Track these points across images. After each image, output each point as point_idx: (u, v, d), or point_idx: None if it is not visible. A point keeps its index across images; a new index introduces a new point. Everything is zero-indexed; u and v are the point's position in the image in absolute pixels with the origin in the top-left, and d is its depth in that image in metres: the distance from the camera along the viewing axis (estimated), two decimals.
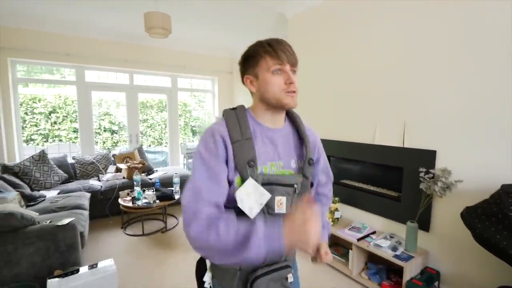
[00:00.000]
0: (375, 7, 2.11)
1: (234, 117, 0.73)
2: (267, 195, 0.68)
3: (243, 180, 0.68)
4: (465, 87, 1.65)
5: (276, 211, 0.70)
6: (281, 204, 0.71)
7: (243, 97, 4.73)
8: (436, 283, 1.77)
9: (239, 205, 0.67)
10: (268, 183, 0.69)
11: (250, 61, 0.74)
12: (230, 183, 0.69)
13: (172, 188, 3.17)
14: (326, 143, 2.59)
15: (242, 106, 0.77)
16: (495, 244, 1.24)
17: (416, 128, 1.90)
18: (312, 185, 0.78)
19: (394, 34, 2.00)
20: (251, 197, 0.67)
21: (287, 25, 3.07)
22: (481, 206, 1.37)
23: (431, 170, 1.76)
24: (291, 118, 0.83)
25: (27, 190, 2.82)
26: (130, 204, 2.82)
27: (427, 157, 1.83)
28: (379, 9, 2.08)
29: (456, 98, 1.69)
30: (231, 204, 0.69)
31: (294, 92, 0.72)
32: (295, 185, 0.73)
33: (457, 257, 1.73)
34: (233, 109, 0.76)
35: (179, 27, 3.42)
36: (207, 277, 0.80)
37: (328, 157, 2.60)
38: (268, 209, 0.70)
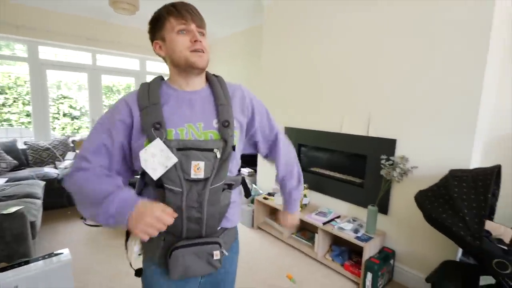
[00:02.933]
0: (344, 4, 2.15)
1: (146, 86, 0.75)
2: (173, 159, 0.67)
3: (150, 142, 0.68)
4: (422, 80, 1.76)
5: (193, 175, 0.69)
6: (198, 169, 0.69)
7: None
8: (391, 261, 1.92)
9: (143, 165, 0.67)
10: (184, 148, 0.69)
11: (156, 25, 0.75)
12: (135, 149, 0.72)
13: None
14: (297, 131, 2.64)
15: (158, 77, 0.80)
16: (442, 222, 1.36)
17: (380, 118, 2.00)
18: (234, 148, 0.76)
19: (362, 28, 2.06)
20: (155, 159, 0.67)
21: (263, 12, 3.02)
22: (432, 189, 1.50)
23: (391, 158, 1.88)
24: (209, 81, 0.82)
25: None
26: None
27: (388, 145, 1.94)
28: (348, 1, 2.12)
29: (415, 91, 1.80)
30: (138, 168, 0.73)
31: (202, 51, 0.73)
32: (215, 150, 0.72)
33: (410, 237, 1.89)
34: (151, 81, 0.78)
35: (148, 4, 3.20)
36: (137, 247, 0.80)
37: (299, 145, 2.66)
38: (184, 174, 0.69)
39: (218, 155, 0.72)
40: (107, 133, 0.72)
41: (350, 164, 2.36)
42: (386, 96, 1.95)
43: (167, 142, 0.68)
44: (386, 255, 1.87)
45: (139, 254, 0.79)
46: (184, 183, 0.69)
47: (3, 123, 4.40)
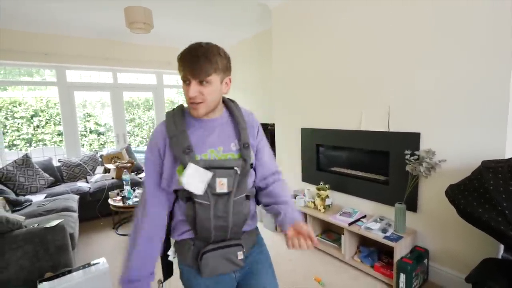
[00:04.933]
0: None
1: (171, 116, 0.84)
2: (209, 173, 0.77)
3: (184, 167, 0.77)
4: (444, 68, 1.69)
5: (218, 190, 0.79)
6: (222, 184, 0.79)
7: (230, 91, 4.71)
8: (425, 261, 1.84)
9: (187, 188, 0.76)
10: (209, 167, 0.78)
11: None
12: (171, 172, 0.81)
13: None
14: (314, 132, 2.62)
15: (180, 106, 0.88)
16: (478, 217, 1.29)
17: (400, 112, 1.95)
18: (252, 166, 0.87)
19: (376, 20, 2.02)
20: (195, 179, 0.76)
21: (270, 17, 3.06)
22: (464, 182, 1.42)
23: (416, 152, 1.81)
24: (228, 107, 0.90)
25: (12, 195, 2.73)
26: (120, 204, 2.78)
27: (412, 140, 1.87)
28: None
29: (437, 80, 1.74)
30: (179, 187, 0.80)
31: (196, 103, 0.78)
32: (235, 168, 0.81)
33: (444, 234, 1.80)
34: (173, 109, 0.87)
35: (162, 22, 3.35)
36: (171, 251, 0.94)
37: (317, 145, 2.64)
38: (210, 190, 0.78)
39: (238, 172, 0.81)
40: (156, 164, 0.84)
41: (372, 162, 2.30)
42: (406, 89, 1.90)
43: (195, 163, 0.77)
44: (419, 255, 1.80)
45: (174, 257, 0.93)
46: (211, 197, 0.78)
47: (38, 143, 4.75)
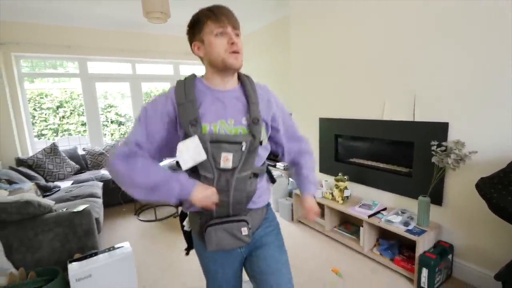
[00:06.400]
0: None
1: (182, 84, 0.82)
2: (203, 155, 0.75)
3: (187, 137, 0.76)
4: (474, 54, 1.57)
5: (221, 165, 0.78)
6: (227, 160, 0.78)
7: None
8: (449, 256, 1.77)
9: (177, 155, 0.75)
10: (216, 141, 0.77)
11: (195, 28, 0.81)
12: (172, 148, 0.79)
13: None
14: (333, 122, 2.55)
15: (192, 75, 0.86)
16: None
17: (427, 101, 1.84)
18: (261, 143, 0.83)
19: (400, 5, 1.89)
20: (189, 153, 0.75)
21: (288, 4, 2.95)
22: (498, 175, 1.33)
23: (444, 143, 1.71)
24: (241, 81, 0.88)
25: (42, 181, 2.90)
26: None
27: (439, 130, 1.77)
28: None
29: (466, 67, 1.61)
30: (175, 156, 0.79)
31: (237, 53, 0.79)
32: (243, 143, 0.78)
33: (471, 230, 1.71)
34: (185, 78, 0.84)
35: (178, 12, 3.34)
36: (186, 222, 0.97)
37: (336, 136, 2.57)
38: (215, 163, 0.78)
39: (245, 148, 0.79)
40: (152, 123, 0.80)
41: (394, 153, 2.21)
42: (433, 76, 1.78)
43: (201, 136, 0.76)
44: (443, 250, 1.73)
45: (189, 228, 0.97)
46: (215, 171, 0.78)
47: (64, 133, 4.99)
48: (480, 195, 1.37)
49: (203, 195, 0.76)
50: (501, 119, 1.52)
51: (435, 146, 1.73)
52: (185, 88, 0.80)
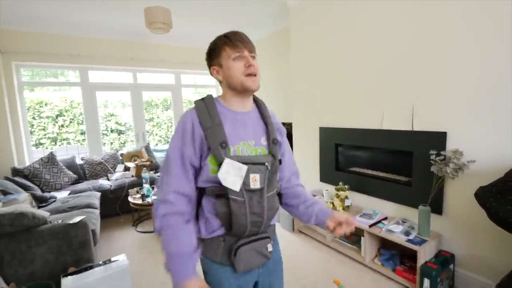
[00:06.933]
0: None
1: (203, 106, 0.82)
2: (244, 167, 0.76)
3: (216, 160, 0.77)
4: (472, 65, 1.59)
5: (252, 186, 0.78)
6: (255, 180, 0.78)
7: None
8: (451, 266, 1.74)
9: (224, 184, 0.75)
10: (242, 163, 0.77)
11: (213, 54, 0.85)
12: (202, 164, 0.80)
13: None
14: (333, 131, 2.56)
15: (210, 96, 0.87)
16: None
17: (425, 110, 1.85)
18: (280, 162, 0.88)
19: (399, 17, 1.94)
20: (231, 174, 0.76)
21: (289, 15, 3.01)
22: (496, 184, 1.33)
23: (442, 152, 1.72)
24: (257, 103, 0.92)
25: (38, 192, 2.87)
26: (140, 201, 2.85)
27: (437, 139, 1.78)
28: None
29: (464, 77, 1.64)
30: (207, 184, 0.80)
31: (254, 75, 0.81)
32: (266, 163, 0.81)
33: (472, 239, 1.70)
34: (202, 99, 0.85)
35: (180, 22, 3.40)
36: (199, 253, 0.89)
37: (336, 145, 2.57)
38: (244, 186, 0.77)
39: (269, 167, 0.81)
40: (182, 158, 0.79)
41: (394, 162, 2.21)
42: (431, 86, 1.80)
43: (230, 158, 0.77)
44: (444, 259, 1.71)
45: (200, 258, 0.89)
46: (245, 193, 0.78)
47: (63, 142, 4.97)
48: (479, 204, 1.37)
49: None
50: (498, 128, 1.53)
51: (434, 155, 1.73)
52: (209, 111, 0.81)
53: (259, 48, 4.96)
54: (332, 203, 2.36)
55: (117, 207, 3.24)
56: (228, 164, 0.75)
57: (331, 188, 2.54)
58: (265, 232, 0.85)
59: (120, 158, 3.98)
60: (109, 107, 5.54)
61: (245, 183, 0.77)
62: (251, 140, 0.83)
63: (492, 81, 1.53)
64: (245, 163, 0.77)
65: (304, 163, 2.96)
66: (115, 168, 3.82)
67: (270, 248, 0.84)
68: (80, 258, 1.89)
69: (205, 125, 0.78)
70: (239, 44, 0.81)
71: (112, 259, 1.75)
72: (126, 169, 3.73)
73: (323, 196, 2.49)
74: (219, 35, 0.85)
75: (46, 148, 4.79)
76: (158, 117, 5.27)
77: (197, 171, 0.82)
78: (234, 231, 0.78)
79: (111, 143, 5.49)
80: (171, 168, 0.79)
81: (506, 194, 1.27)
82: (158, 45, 4.31)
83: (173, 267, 0.75)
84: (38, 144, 4.75)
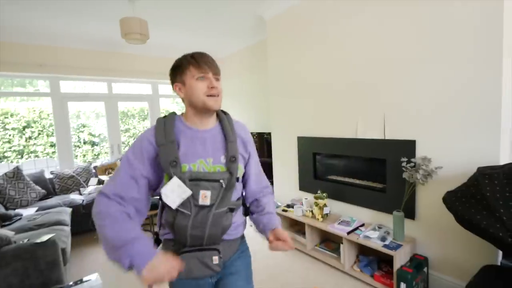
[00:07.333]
0: (350, 6, 2.18)
1: (162, 123, 0.85)
2: (188, 192, 0.79)
3: (169, 177, 0.79)
4: (438, 76, 1.73)
5: (200, 202, 0.81)
6: (205, 197, 0.81)
7: (225, 101, 4.71)
8: (425, 269, 1.82)
9: (164, 199, 0.79)
10: (195, 179, 0.81)
11: (177, 71, 0.87)
12: (161, 176, 0.85)
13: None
14: (310, 140, 2.62)
15: (172, 113, 0.90)
16: (476, 224, 1.29)
17: (395, 120, 1.97)
18: (238, 179, 0.89)
19: (370, 29, 2.07)
20: (174, 193, 0.79)
21: (265, 28, 3.10)
22: (461, 189, 1.43)
23: (412, 159, 1.82)
24: (219, 118, 0.94)
25: (1, 209, 2.65)
26: None
27: (408, 147, 1.89)
28: (354, 7, 2.15)
29: (431, 88, 1.77)
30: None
31: (216, 96, 0.85)
32: (221, 180, 0.83)
33: (443, 242, 1.79)
34: (164, 116, 0.88)
35: (157, 33, 3.38)
36: (159, 249, 0.95)
37: (314, 154, 2.64)
38: (194, 201, 0.80)
39: (224, 185, 0.83)
40: (134, 168, 0.82)
41: (369, 169, 2.31)
42: (400, 97, 1.92)
43: (181, 175, 0.79)
44: (418, 263, 1.78)
45: None
46: (193, 207, 0.81)
47: (30, 155, 4.65)
48: (447, 208, 1.45)
49: (159, 272, 0.71)
50: (462, 136, 1.66)
51: (405, 163, 1.83)
52: (165, 128, 0.83)
53: (237, 59, 5.04)
54: (312, 211, 2.40)
55: (90, 223, 3.05)
56: (174, 184, 0.78)
57: (310, 197, 2.58)
58: (213, 244, 0.85)
59: (94, 171, 3.79)
60: (82, 118, 5.30)
61: (195, 198, 0.80)
62: (210, 157, 0.85)
63: (455, 92, 1.67)
64: (199, 179, 0.81)
65: (283, 172, 2.99)
66: (88, 182, 3.63)
67: (216, 261, 0.84)
68: (48, 280, 1.75)
69: (159, 142, 0.81)
70: (204, 66, 0.83)
71: (84, 279, 1.64)
72: (100, 182, 3.56)
73: (302, 205, 2.52)
74: (185, 54, 0.87)
75: (11, 161, 4.45)
76: (134, 128, 5.11)
77: (157, 182, 0.86)
78: (177, 239, 0.83)
79: (84, 155, 5.21)
80: (120, 172, 0.82)
81: (469, 198, 1.37)
82: (134, 56, 4.24)
83: (132, 252, 0.72)
84: (2, 158, 4.41)
